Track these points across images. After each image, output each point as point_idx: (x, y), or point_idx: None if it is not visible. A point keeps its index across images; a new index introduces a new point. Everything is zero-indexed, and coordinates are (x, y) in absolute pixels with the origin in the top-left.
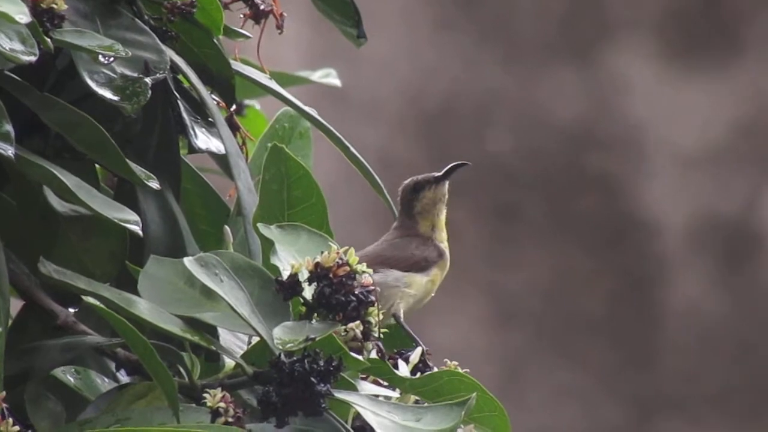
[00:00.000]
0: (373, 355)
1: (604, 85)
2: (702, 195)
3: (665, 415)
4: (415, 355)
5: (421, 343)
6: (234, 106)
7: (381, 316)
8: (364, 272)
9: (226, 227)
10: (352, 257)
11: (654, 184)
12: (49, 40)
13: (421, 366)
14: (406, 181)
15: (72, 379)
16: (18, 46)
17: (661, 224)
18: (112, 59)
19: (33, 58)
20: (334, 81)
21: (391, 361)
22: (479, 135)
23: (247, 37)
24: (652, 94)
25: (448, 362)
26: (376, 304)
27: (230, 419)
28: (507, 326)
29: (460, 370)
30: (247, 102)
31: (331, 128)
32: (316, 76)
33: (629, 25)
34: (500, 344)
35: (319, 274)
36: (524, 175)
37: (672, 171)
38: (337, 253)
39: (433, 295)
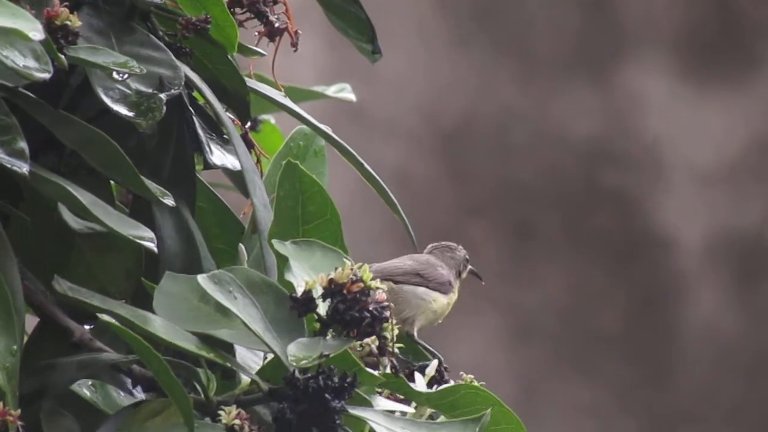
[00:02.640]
0: (388, 370)
1: (620, 101)
2: (718, 211)
3: (681, 431)
4: (431, 368)
5: (438, 354)
6: (249, 123)
7: (396, 330)
8: (378, 288)
9: (241, 246)
10: (366, 273)
11: (670, 200)
12: (63, 56)
13: (438, 377)
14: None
15: (88, 393)
16: (32, 63)
17: (677, 240)
18: (126, 75)
19: (47, 75)
20: (349, 96)
21: (406, 372)
22: (495, 152)
23: (262, 54)
24: (669, 111)
25: (465, 375)
26: (390, 320)
27: None
28: (524, 343)
29: (476, 383)
30: (262, 117)
31: (346, 145)
32: (331, 91)
33: (645, 41)
34: (517, 361)
35: (333, 290)
36: (541, 192)
37: (688, 187)
38: (351, 269)
39: (440, 321)
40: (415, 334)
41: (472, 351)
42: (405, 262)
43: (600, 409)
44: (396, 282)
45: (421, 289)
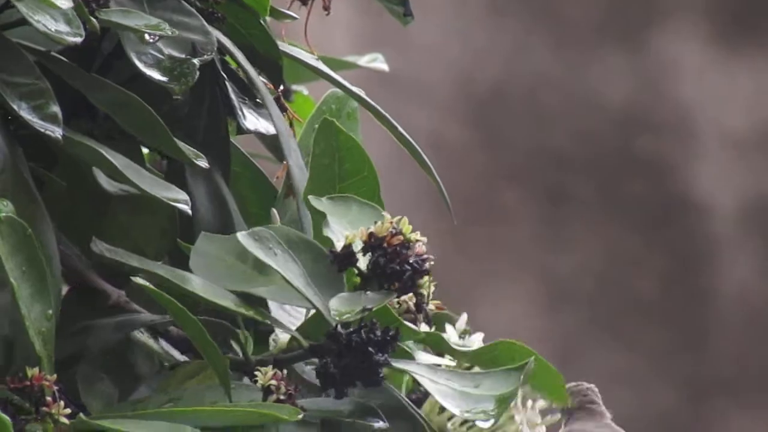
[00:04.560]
0: (424, 327)
1: (654, 67)
2: (752, 176)
3: (718, 397)
4: (461, 321)
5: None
6: (282, 87)
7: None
8: (417, 241)
9: (274, 210)
10: (406, 226)
11: (704, 165)
12: (95, 20)
13: (469, 330)
14: None
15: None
16: (63, 27)
17: (711, 206)
18: (158, 38)
19: (79, 39)
20: (382, 66)
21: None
22: (529, 118)
23: (294, 18)
24: (702, 77)
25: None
26: (429, 274)
27: (282, 396)
28: (559, 309)
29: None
30: (295, 87)
31: (379, 108)
32: (364, 60)
33: (679, 7)
34: (552, 327)
35: (373, 244)
36: (575, 158)
37: (722, 152)
38: (391, 222)
39: None
40: None
41: (508, 317)
42: None
43: (635, 374)
44: None
45: None
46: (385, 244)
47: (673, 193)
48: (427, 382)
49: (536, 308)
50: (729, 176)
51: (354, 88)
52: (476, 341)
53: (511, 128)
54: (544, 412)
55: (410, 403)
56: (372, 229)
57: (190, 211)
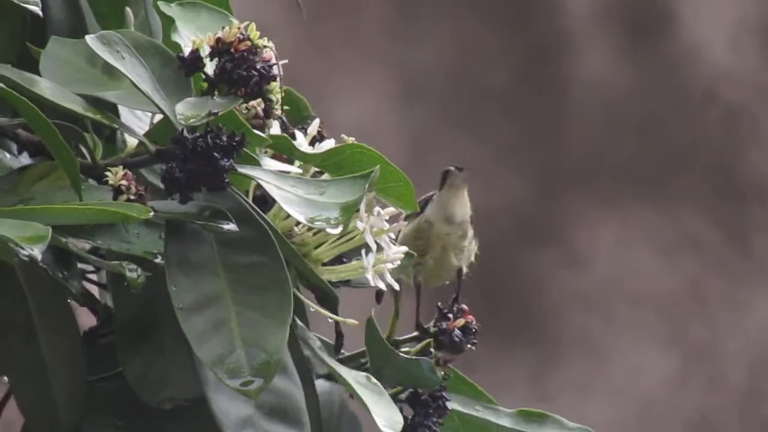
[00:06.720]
0: (276, 131)
1: None
2: None
3: (571, 188)
4: (312, 127)
5: None
6: None
7: (283, 93)
8: (265, 47)
9: (128, 9)
10: (254, 32)
11: None
12: None
13: (319, 138)
14: None
15: None
16: None
17: (564, 1)
18: None
19: None
20: None
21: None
22: None
23: None
24: None
25: (345, 137)
26: (278, 79)
27: (132, 196)
28: (411, 103)
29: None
30: None
31: None
32: None
33: None
34: (405, 121)
35: (220, 49)
36: None
37: None
38: (239, 28)
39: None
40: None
41: (361, 111)
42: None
43: (488, 167)
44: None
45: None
46: (232, 50)
47: None
48: (272, 188)
49: (389, 102)
50: None
51: None
52: (326, 147)
53: None
54: (393, 219)
55: (256, 207)
56: (219, 34)
57: (41, 13)
